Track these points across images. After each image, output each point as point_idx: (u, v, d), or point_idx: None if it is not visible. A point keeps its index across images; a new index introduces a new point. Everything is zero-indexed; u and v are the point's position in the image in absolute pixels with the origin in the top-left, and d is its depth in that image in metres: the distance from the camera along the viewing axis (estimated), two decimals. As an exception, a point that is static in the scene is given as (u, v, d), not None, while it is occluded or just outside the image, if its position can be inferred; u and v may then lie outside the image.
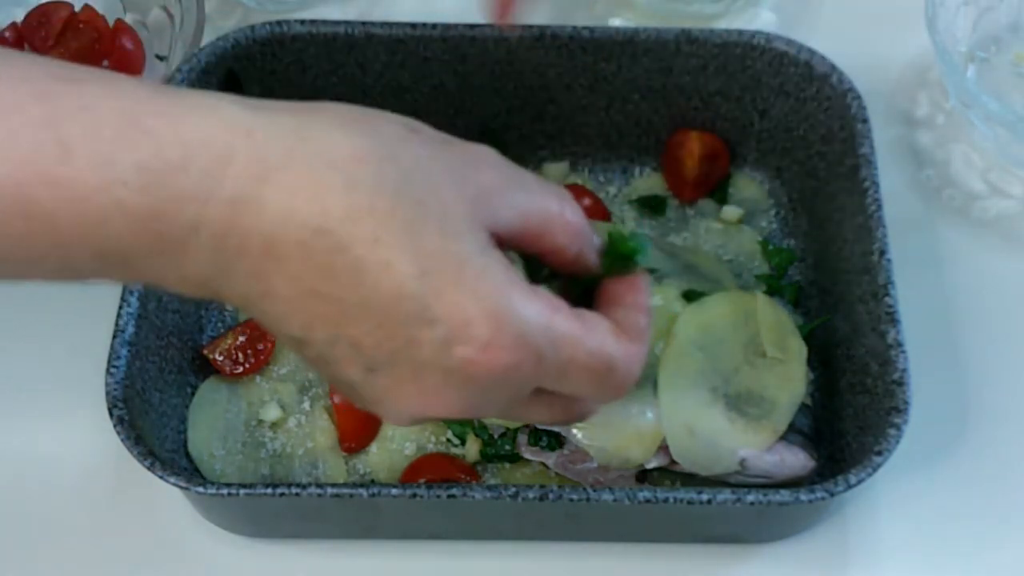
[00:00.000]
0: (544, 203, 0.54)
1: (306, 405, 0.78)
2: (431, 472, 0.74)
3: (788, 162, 0.85)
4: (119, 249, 0.48)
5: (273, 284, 0.50)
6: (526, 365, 0.51)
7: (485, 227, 0.52)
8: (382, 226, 0.49)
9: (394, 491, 0.66)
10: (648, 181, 0.88)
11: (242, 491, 0.66)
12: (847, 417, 0.74)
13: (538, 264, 0.57)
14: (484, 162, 0.54)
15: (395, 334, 0.50)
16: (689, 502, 0.66)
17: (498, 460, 0.76)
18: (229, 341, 0.78)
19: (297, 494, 0.66)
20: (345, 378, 0.53)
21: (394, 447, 0.76)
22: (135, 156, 0.47)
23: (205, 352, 0.78)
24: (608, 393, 0.56)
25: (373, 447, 0.77)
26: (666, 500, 0.66)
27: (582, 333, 0.53)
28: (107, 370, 0.69)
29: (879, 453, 0.67)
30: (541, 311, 0.52)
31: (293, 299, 0.50)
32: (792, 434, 0.73)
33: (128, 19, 0.92)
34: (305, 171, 0.49)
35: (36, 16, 0.91)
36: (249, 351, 0.78)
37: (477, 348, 0.50)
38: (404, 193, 0.50)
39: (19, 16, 0.91)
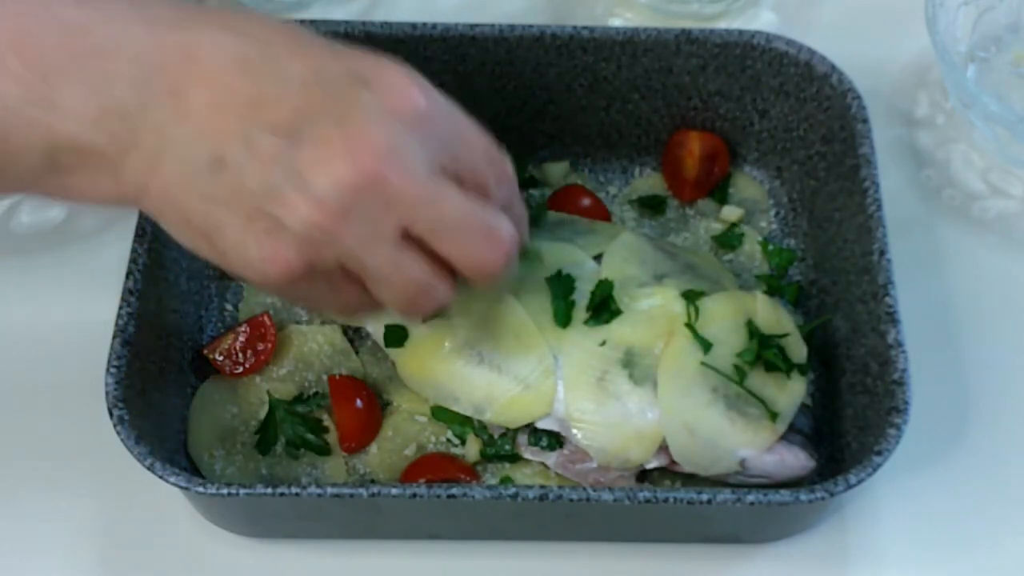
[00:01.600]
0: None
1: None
2: (431, 472, 0.74)
3: (788, 162, 0.85)
4: (41, 63, 0.52)
5: (190, 95, 0.53)
6: (438, 114, 0.58)
7: None
8: (286, 26, 0.56)
9: (394, 491, 0.66)
10: (648, 181, 0.88)
11: (242, 491, 0.66)
12: (847, 417, 0.74)
13: None
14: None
15: (317, 93, 0.54)
16: (689, 502, 0.66)
17: (498, 460, 0.76)
18: (229, 341, 0.78)
19: (297, 494, 0.66)
20: (256, 189, 0.54)
21: (394, 447, 0.76)
22: None
23: (205, 352, 0.78)
24: (494, 174, 0.61)
25: (373, 447, 0.77)
26: (666, 500, 0.66)
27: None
28: (107, 370, 0.69)
29: (879, 453, 0.67)
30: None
31: (210, 105, 0.53)
32: (792, 434, 0.73)
33: (128, 19, 0.92)
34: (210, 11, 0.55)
35: (36, 16, 0.91)
36: (249, 351, 0.78)
37: (398, 89, 0.56)
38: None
39: (19, 16, 0.91)
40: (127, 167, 0.55)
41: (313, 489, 0.66)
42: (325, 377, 0.78)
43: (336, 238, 0.56)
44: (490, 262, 0.60)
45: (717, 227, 0.85)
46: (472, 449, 0.75)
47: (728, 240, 0.84)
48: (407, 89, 0.56)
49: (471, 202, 0.59)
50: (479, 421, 0.75)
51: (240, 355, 0.78)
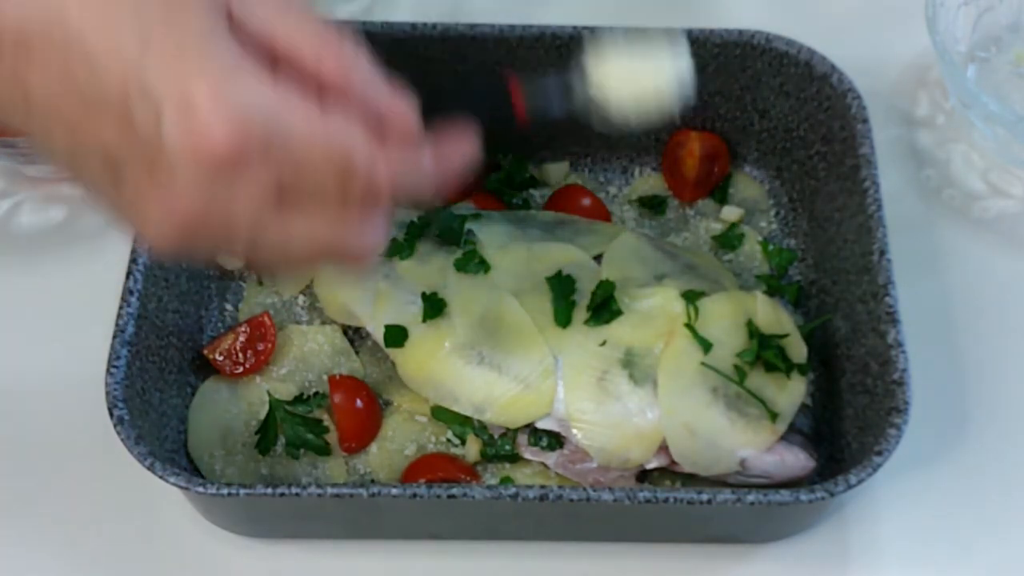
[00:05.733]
0: (300, 34, 0.53)
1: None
2: (431, 472, 0.74)
3: (788, 162, 0.85)
4: None
5: (30, 86, 0.50)
6: (252, 152, 0.49)
7: (223, 14, 0.51)
8: (111, 7, 0.49)
9: (394, 491, 0.66)
10: (648, 181, 0.88)
11: (242, 491, 0.66)
12: (847, 417, 0.74)
13: None
14: None
15: (129, 123, 0.49)
16: (689, 502, 0.66)
17: (498, 460, 0.76)
18: (229, 341, 0.78)
19: (297, 494, 0.66)
20: (108, 196, 0.52)
21: (394, 447, 0.76)
22: None
23: (205, 352, 0.78)
24: (351, 197, 0.53)
25: (373, 447, 0.77)
26: (666, 500, 0.66)
27: (321, 127, 0.51)
28: (107, 370, 0.69)
29: (879, 453, 0.67)
30: (272, 97, 0.50)
31: (49, 105, 0.50)
32: (792, 434, 0.73)
33: (128, 19, 0.92)
34: None
35: (36, 16, 0.91)
36: (249, 351, 0.78)
37: (196, 124, 0.48)
38: None
39: (19, 16, 0.91)
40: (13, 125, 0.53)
41: (313, 489, 0.66)
42: (325, 377, 0.78)
43: (186, 252, 0.53)
44: (349, 268, 0.57)
45: (717, 227, 0.85)
46: (472, 449, 0.75)
47: (728, 240, 0.84)
48: (207, 128, 0.48)
49: (318, 224, 0.53)
50: (479, 421, 0.75)
51: (240, 355, 0.78)
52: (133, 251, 0.73)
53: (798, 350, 0.75)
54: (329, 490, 0.66)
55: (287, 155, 0.50)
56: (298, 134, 0.51)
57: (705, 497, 0.66)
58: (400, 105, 0.55)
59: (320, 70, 0.53)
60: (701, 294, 0.74)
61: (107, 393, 0.69)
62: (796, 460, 0.72)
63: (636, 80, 0.60)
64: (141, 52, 0.49)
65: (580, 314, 0.73)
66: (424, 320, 0.75)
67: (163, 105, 0.49)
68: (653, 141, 0.87)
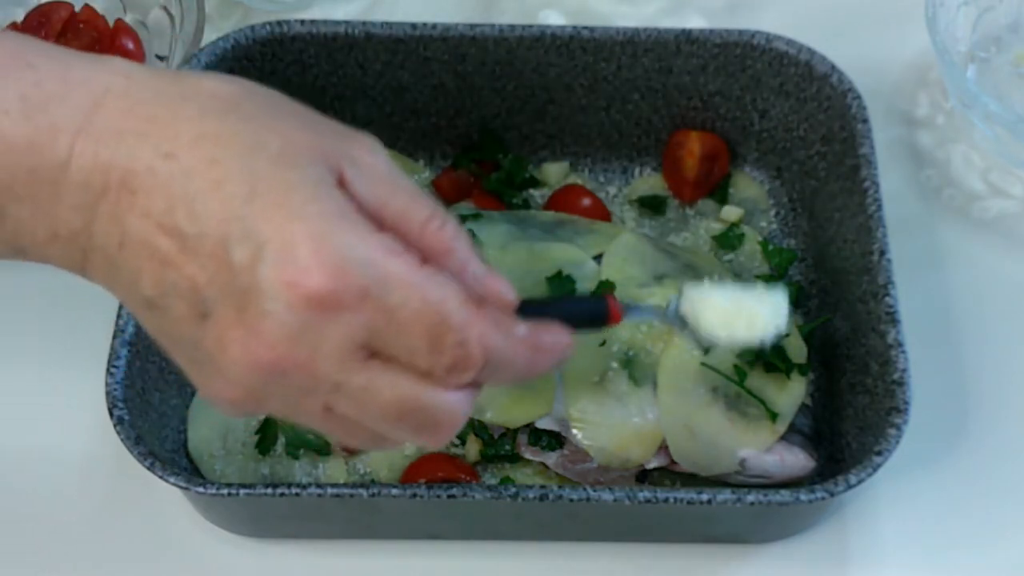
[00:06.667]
0: (409, 205, 0.52)
1: (306, 405, 0.78)
2: (431, 472, 0.74)
3: (788, 162, 0.86)
4: None
5: (128, 226, 0.50)
6: (348, 296, 0.49)
7: (333, 174, 0.51)
8: (221, 148, 0.50)
9: (394, 491, 0.66)
10: (648, 181, 0.88)
11: (242, 491, 0.66)
12: (847, 417, 0.74)
13: None
14: (363, 141, 0.53)
15: (225, 262, 0.49)
16: (689, 502, 0.66)
17: (498, 460, 0.76)
18: (229, 341, 0.78)
19: (297, 494, 0.66)
20: (185, 342, 0.52)
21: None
22: (18, 87, 0.50)
23: (205, 352, 0.78)
24: (442, 360, 0.51)
25: (373, 447, 0.76)
26: (666, 500, 0.66)
27: (420, 280, 0.50)
28: (107, 370, 0.69)
29: (879, 453, 0.67)
30: (373, 245, 0.50)
31: (143, 243, 0.50)
32: (792, 434, 0.73)
33: (128, 19, 0.92)
34: (165, 103, 0.51)
35: (36, 16, 0.91)
36: (249, 351, 0.78)
37: (295, 270, 0.48)
38: (251, 122, 0.51)
39: (19, 16, 0.92)
40: (90, 276, 0.54)
41: (313, 489, 0.66)
42: (325, 377, 0.78)
43: (258, 410, 0.53)
44: (428, 445, 0.55)
45: (717, 227, 0.85)
46: (472, 449, 0.75)
47: (728, 240, 0.84)
48: (306, 269, 0.48)
49: (404, 387, 0.52)
50: (479, 421, 0.75)
51: (240, 355, 0.78)
52: (133, 251, 0.73)
53: (798, 350, 0.75)
54: (329, 490, 0.66)
55: (382, 304, 0.50)
56: (395, 284, 0.50)
57: (705, 497, 0.66)
58: (500, 283, 0.54)
59: (423, 235, 0.52)
60: (701, 294, 0.74)
61: (107, 393, 0.69)
62: (796, 460, 0.72)
63: (731, 324, 0.62)
64: (248, 196, 0.49)
65: (580, 314, 0.73)
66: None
67: (264, 246, 0.49)
68: (653, 141, 0.87)
